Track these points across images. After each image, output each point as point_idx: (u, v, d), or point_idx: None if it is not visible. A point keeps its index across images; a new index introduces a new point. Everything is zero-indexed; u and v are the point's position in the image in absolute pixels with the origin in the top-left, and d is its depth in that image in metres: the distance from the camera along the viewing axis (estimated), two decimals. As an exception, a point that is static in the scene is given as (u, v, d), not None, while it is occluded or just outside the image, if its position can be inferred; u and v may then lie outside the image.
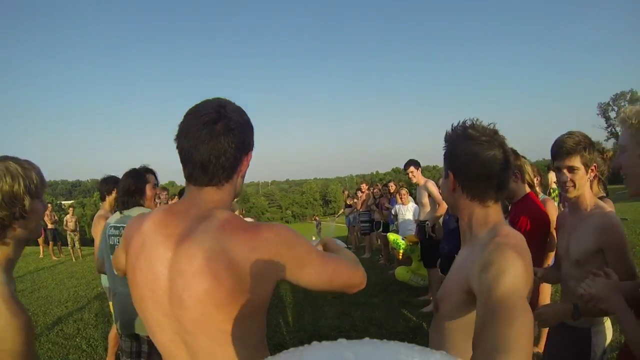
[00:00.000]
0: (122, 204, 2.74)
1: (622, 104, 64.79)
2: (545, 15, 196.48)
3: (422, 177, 4.93)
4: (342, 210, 10.73)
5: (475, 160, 1.11)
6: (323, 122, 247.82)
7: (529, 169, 2.69)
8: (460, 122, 1.20)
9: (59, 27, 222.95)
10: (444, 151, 1.22)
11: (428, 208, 4.92)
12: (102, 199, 3.48)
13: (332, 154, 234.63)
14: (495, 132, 1.14)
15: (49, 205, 11.90)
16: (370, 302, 5.34)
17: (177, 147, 1.02)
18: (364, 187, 9.19)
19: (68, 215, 11.90)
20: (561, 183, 1.80)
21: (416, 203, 5.65)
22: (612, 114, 66.46)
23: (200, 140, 0.97)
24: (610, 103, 66.52)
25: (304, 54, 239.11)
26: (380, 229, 7.80)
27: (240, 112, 1.05)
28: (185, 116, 1.03)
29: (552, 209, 2.74)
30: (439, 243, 4.28)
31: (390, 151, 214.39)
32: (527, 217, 2.44)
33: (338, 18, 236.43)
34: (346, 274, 1.05)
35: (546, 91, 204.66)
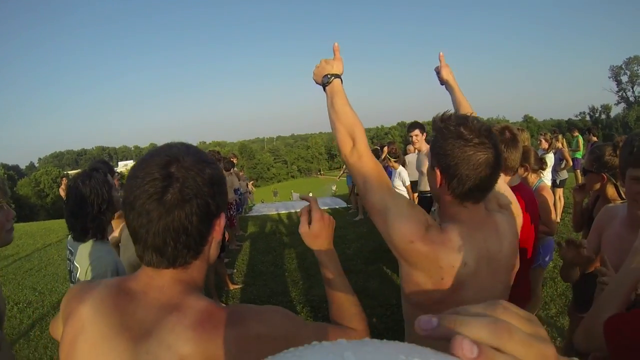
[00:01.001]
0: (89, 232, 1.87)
1: (635, 68, 62.72)
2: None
3: (425, 144, 4.60)
4: (344, 168, 10.60)
5: (466, 164, 1.07)
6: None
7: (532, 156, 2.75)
8: (451, 113, 1.15)
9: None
10: (432, 140, 1.18)
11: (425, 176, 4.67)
12: None
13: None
14: (489, 132, 1.09)
15: (63, 179, 11.85)
16: (365, 270, 5.34)
17: (125, 220, 0.78)
18: None
19: (61, 187, 11.63)
20: (633, 194, 1.43)
21: (417, 170, 5.43)
22: (624, 78, 65.19)
23: (149, 219, 0.73)
24: (623, 67, 64.89)
25: (303, 9, 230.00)
26: None
27: (199, 166, 0.77)
28: (127, 180, 0.77)
29: (549, 196, 2.81)
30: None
31: (396, 105, 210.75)
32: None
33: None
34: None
35: (558, 50, 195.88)
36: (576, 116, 76.65)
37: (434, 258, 1.06)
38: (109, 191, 1.89)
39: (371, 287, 4.68)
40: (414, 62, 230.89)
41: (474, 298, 1.08)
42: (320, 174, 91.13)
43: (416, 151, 5.24)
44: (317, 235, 1.00)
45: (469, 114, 1.15)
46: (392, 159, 5.99)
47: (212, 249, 0.84)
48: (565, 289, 3.99)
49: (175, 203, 0.73)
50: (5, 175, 55.41)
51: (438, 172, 1.13)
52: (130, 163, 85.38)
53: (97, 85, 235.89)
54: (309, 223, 1.01)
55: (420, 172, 4.81)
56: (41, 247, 9.16)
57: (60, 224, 12.10)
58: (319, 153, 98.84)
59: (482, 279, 1.12)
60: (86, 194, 1.81)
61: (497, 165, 1.09)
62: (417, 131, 4.58)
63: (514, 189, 1.84)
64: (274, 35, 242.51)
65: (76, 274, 1.86)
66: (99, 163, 2.70)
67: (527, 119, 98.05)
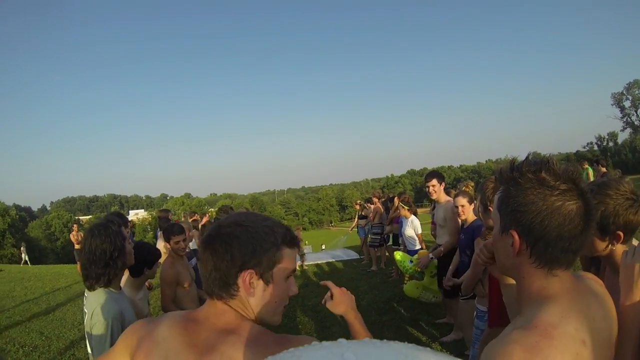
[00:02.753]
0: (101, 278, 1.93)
1: (637, 92, 63.73)
2: (555, 3, 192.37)
3: (444, 194, 4.45)
4: (356, 221, 10.52)
5: (555, 217, 0.85)
6: (336, 127, 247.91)
7: None
8: (525, 159, 0.93)
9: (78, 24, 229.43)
10: (500, 197, 0.95)
11: (443, 229, 4.44)
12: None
13: (346, 159, 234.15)
14: (577, 175, 0.89)
15: (75, 225, 11.90)
16: (380, 320, 5.21)
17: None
18: (375, 199, 9.04)
19: (72, 233, 11.31)
20: None
21: (433, 222, 5.33)
22: (627, 103, 65.92)
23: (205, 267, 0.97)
24: (624, 92, 65.63)
25: (311, 65, 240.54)
26: (391, 242, 7.63)
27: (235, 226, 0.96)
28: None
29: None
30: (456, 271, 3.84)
31: (404, 154, 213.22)
32: None
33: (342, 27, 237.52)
34: None
35: (557, 82, 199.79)
36: (584, 147, 75.63)
37: None
38: (122, 242, 1.98)
39: (387, 337, 4.36)
40: (421, 108, 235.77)
41: None
42: (332, 225, 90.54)
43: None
44: (339, 303, 1.30)
45: (546, 156, 0.92)
46: (405, 207, 5.99)
47: (259, 289, 0.96)
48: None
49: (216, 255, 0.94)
50: (18, 217, 56.02)
51: (515, 235, 0.89)
52: (141, 212, 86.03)
53: (112, 133, 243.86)
54: (332, 297, 1.32)
55: (439, 225, 4.56)
56: (50, 291, 9.09)
57: (70, 269, 12.07)
58: (330, 205, 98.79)
59: None
60: (100, 243, 1.91)
61: (590, 217, 0.88)
62: (434, 181, 4.34)
63: None
64: (281, 87, 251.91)
65: (84, 319, 1.95)
66: (114, 216, 2.84)
67: (536, 156, 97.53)
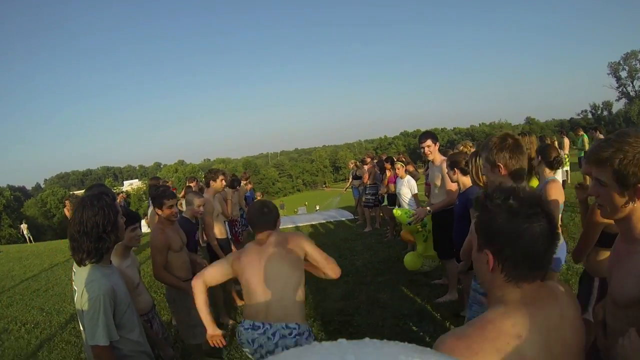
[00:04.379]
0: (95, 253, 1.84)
1: (634, 63, 63.38)
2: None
3: (439, 155, 4.36)
4: (350, 181, 10.50)
5: (522, 240, 0.98)
6: (329, 87, 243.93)
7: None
8: (494, 188, 1.09)
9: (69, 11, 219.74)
10: (476, 221, 1.09)
11: (439, 189, 4.41)
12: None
13: (339, 121, 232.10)
14: (539, 199, 1.02)
15: (67, 200, 11.75)
16: (375, 281, 5.26)
17: None
18: (367, 159, 8.99)
19: (66, 208, 11.33)
20: None
21: (427, 182, 5.23)
22: (623, 73, 65.77)
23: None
24: (621, 62, 65.36)
25: (304, 20, 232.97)
26: (385, 203, 7.62)
27: None
28: None
29: (557, 191, 2.75)
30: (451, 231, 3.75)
31: (397, 115, 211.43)
32: None
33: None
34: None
35: (556, 49, 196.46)
36: (578, 114, 77.01)
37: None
38: (115, 216, 1.87)
39: (382, 298, 4.59)
40: (415, 68, 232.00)
41: None
42: (325, 186, 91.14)
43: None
44: None
45: (514, 186, 1.08)
46: (401, 165, 6.00)
47: None
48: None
49: None
50: (12, 197, 55.77)
51: (490, 255, 1.03)
52: (135, 182, 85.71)
53: (101, 105, 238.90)
54: None
55: (434, 184, 4.50)
56: (48, 268, 9.13)
57: (67, 244, 12.08)
58: (323, 166, 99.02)
59: None
60: (92, 215, 1.80)
61: (554, 235, 1.00)
62: (429, 141, 4.27)
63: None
64: (275, 49, 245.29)
65: (74, 296, 1.87)
66: (104, 187, 2.71)
67: (530, 121, 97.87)
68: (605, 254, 2.17)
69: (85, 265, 1.83)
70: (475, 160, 2.61)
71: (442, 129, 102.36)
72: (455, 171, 3.46)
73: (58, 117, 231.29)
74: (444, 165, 4.06)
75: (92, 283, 1.77)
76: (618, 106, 70.87)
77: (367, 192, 8.68)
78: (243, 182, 8.44)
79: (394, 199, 6.88)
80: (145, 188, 57.13)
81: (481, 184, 2.61)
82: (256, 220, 2.30)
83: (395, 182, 6.55)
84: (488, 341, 0.92)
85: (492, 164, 2.15)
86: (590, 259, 2.35)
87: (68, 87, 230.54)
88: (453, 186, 3.88)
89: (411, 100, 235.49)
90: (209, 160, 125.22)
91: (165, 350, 2.43)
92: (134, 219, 2.56)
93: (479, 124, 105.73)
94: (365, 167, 8.94)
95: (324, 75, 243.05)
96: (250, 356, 2.22)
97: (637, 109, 60.82)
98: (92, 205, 1.81)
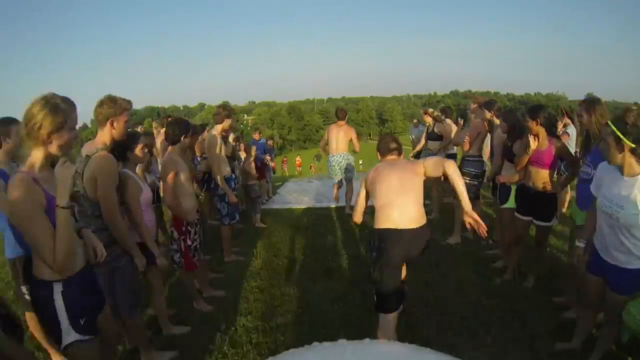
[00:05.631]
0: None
1: None
2: None
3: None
4: (422, 143, 6.73)
5: None
6: (380, 37, 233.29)
7: None
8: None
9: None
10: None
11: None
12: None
13: (390, 72, 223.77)
14: None
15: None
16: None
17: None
18: (473, 105, 5.14)
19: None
20: None
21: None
22: None
23: None
24: None
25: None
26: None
27: None
28: None
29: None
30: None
31: (448, 72, 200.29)
32: None
33: None
34: None
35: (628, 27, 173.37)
36: None
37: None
38: None
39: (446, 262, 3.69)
40: (469, 28, 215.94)
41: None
42: (370, 138, 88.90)
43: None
44: None
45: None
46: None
47: None
48: None
49: None
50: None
51: None
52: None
53: (147, 46, 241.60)
54: None
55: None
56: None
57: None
58: (369, 117, 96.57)
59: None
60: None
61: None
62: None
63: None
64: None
65: None
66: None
67: (588, 95, 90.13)
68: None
69: None
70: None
71: (495, 92, 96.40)
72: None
73: (101, 59, 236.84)
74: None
75: None
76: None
77: (464, 167, 4.86)
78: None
79: (508, 192, 3.88)
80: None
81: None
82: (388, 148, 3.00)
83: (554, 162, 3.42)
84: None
85: (618, 140, 2.06)
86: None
87: (115, 27, 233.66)
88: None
89: (465, 60, 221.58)
90: (254, 102, 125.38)
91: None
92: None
93: (534, 93, 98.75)
94: (448, 121, 5.97)
95: (376, 24, 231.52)
96: None
97: None
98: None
